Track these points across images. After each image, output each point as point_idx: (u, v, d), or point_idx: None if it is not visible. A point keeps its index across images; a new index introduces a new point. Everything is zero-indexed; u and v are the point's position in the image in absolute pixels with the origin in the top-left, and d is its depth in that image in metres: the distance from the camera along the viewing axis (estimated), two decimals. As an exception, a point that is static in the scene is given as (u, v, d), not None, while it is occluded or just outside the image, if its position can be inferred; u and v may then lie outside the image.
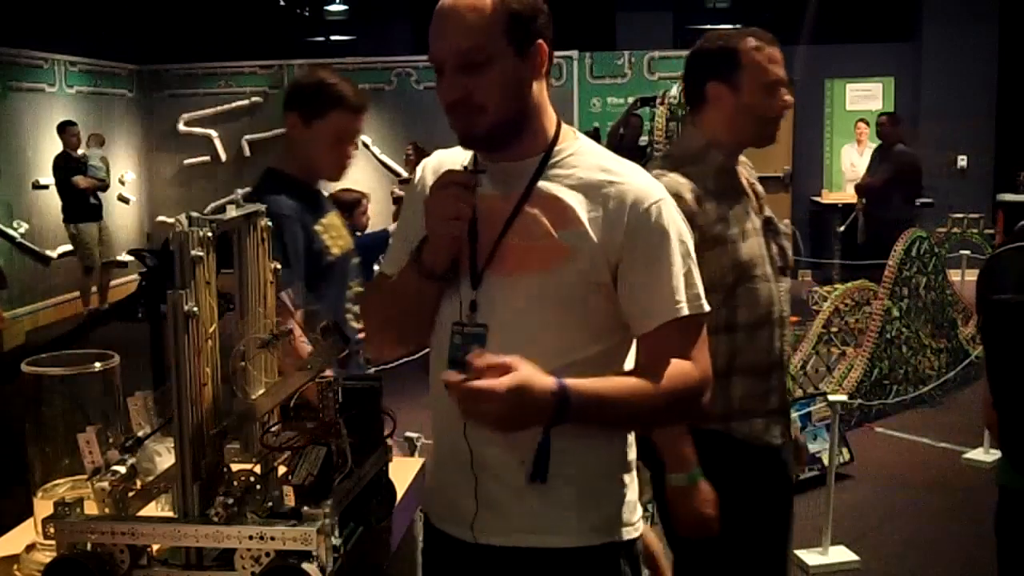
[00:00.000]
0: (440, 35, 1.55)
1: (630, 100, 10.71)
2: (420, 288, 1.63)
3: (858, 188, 9.14)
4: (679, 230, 1.59)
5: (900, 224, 7.57)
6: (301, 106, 2.58)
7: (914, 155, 9.00)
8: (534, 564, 1.61)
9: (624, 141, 8.61)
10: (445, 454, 1.69)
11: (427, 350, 1.72)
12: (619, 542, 1.64)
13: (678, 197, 2.13)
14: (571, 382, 1.46)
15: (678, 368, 1.56)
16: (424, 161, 1.75)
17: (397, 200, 9.68)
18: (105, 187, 9.63)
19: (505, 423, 1.42)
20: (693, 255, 1.60)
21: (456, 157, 1.69)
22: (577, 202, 1.56)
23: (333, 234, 2.64)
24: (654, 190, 1.58)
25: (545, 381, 1.43)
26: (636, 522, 1.67)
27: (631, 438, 1.69)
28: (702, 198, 2.19)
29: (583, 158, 1.60)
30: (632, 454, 1.69)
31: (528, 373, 1.41)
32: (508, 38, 1.53)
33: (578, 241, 1.54)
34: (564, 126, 1.65)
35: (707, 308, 1.61)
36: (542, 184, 1.58)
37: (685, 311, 1.56)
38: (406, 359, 1.79)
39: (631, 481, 1.68)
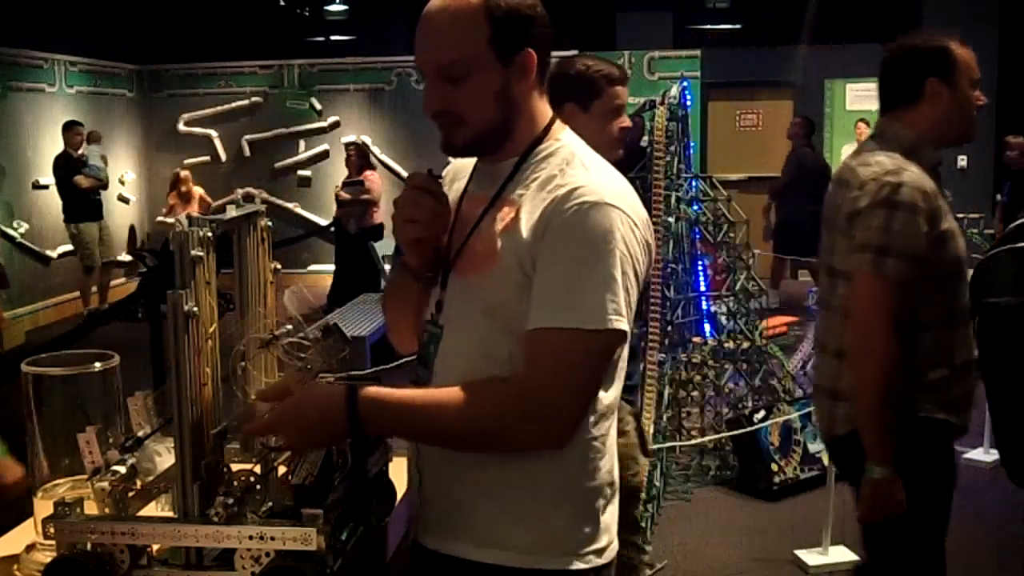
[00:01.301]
0: (421, 43, 1.53)
1: (631, 100, 10.71)
2: (411, 287, 1.65)
3: (771, 189, 9.56)
4: (598, 237, 1.44)
5: (807, 222, 7.69)
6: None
7: (815, 156, 9.43)
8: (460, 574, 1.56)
9: (626, 143, 8.63)
10: (412, 449, 1.68)
11: None
12: (559, 571, 1.53)
13: (923, 192, 2.28)
14: (363, 390, 1.46)
15: (495, 389, 1.46)
16: (450, 166, 1.75)
17: (341, 203, 9.39)
18: (105, 186, 9.62)
19: (301, 436, 1.47)
20: (615, 268, 1.44)
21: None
22: (526, 205, 1.51)
23: None
24: (591, 193, 1.46)
25: (332, 390, 1.48)
26: (586, 553, 1.54)
27: (596, 464, 1.56)
28: (936, 193, 2.34)
29: (553, 159, 1.55)
30: (597, 480, 1.56)
31: (306, 388, 1.49)
32: (492, 48, 1.50)
33: (512, 245, 1.49)
34: (556, 125, 1.60)
35: (608, 325, 1.43)
36: (509, 187, 1.56)
37: (554, 322, 1.43)
38: (406, 358, 1.79)
39: (587, 509, 1.56)
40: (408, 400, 1.48)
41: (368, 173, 9.42)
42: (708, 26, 12.53)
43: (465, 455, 1.53)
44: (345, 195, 9.32)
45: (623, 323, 1.44)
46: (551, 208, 1.47)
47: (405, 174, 10.81)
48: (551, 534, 1.53)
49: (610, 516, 1.60)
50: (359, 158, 9.58)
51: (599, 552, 1.57)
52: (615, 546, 1.61)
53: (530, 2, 1.54)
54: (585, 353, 1.45)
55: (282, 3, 11.81)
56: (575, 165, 1.53)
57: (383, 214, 9.12)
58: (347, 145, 10.26)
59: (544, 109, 1.60)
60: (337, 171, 11.43)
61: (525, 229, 1.48)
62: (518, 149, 1.57)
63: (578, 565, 1.54)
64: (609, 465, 1.59)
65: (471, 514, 1.55)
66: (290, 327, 1.61)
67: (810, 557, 4.11)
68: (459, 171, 1.69)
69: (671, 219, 5.13)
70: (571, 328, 1.43)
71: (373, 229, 9.23)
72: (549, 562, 1.53)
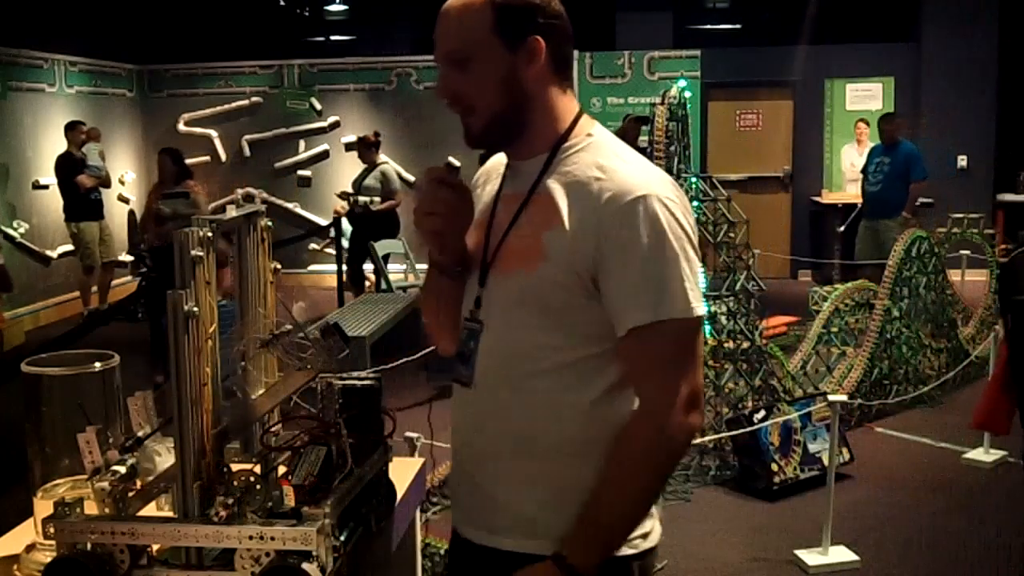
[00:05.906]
0: (435, 36, 1.59)
1: (630, 100, 10.72)
2: (443, 284, 1.67)
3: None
4: (657, 229, 1.48)
5: None
6: None
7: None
8: (506, 567, 1.58)
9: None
10: (453, 446, 1.71)
11: (428, 349, 1.73)
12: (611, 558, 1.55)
13: None
14: (570, 552, 1.50)
15: (629, 437, 1.51)
16: (483, 167, 1.78)
17: (161, 220, 7.33)
18: (107, 183, 9.61)
19: None
20: (680, 253, 1.49)
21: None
22: (566, 201, 1.54)
23: None
24: (636, 187, 1.49)
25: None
26: (633, 538, 1.57)
27: None
28: None
29: (585, 155, 1.57)
30: None
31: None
32: (497, 34, 1.54)
33: (558, 242, 1.52)
34: (584, 120, 1.62)
35: (695, 313, 1.49)
36: (544, 183, 1.58)
37: (648, 318, 1.48)
38: (405, 359, 1.78)
39: None
40: (594, 520, 1.51)
41: (189, 183, 7.75)
42: (708, 26, 12.52)
43: (511, 453, 1.57)
44: (167, 210, 7.38)
45: (703, 308, 1.52)
46: (601, 209, 1.50)
47: (405, 174, 10.81)
48: None
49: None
50: (174, 165, 7.70)
51: (645, 536, 1.60)
52: (659, 529, 1.64)
53: None
54: (676, 340, 1.50)
55: (282, 3, 11.80)
56: (610, 160, 1.55)
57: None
58: (161, 151, 8.00)
59: (568, 104, 1.62)
60: (336, 171, 11.43)
61: (571, 228, 1.51)
62: (544, 146, 1.60)
63: (625, 551, 1.57)
64: None
65: (522, 510, 1.57)
66: (290, 327, 1.61)
67: (810, 557, 4.11)
68: (491, 172, 1.73)
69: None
70: (668, 320, 1.48)
71: None
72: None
